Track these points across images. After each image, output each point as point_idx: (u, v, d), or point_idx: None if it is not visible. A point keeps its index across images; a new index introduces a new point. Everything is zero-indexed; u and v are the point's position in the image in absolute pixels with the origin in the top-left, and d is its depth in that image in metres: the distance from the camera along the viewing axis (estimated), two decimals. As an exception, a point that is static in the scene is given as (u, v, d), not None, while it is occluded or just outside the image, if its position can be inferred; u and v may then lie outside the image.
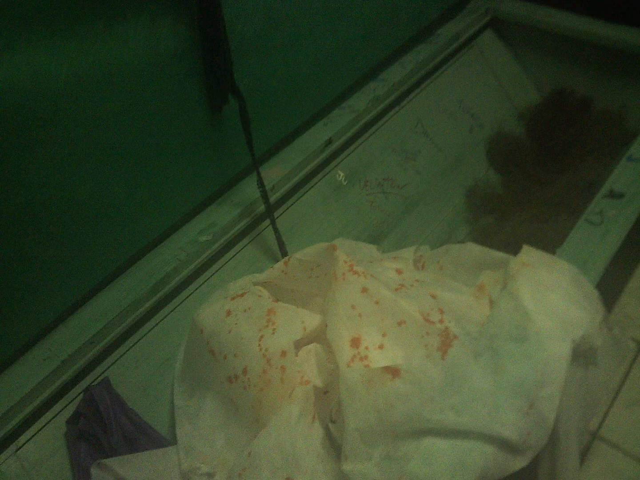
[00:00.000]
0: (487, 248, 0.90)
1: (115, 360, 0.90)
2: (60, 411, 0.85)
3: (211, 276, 1.01)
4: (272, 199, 1.06)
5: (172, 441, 0.86)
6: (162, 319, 0.95)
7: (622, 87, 1.44)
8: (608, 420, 1.06)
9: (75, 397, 0.86)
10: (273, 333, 0.81)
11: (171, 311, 0.96)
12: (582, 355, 0.76)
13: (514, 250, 0.86)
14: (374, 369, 0.71)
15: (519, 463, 0.68)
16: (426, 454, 0.67)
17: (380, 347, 0.75)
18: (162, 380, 0.92)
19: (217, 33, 0.84)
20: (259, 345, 0.80)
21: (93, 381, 0.87)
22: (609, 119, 1.41)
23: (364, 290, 0.78)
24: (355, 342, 0.75)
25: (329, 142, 1.17)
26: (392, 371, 0.70)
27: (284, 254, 1.06)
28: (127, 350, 0.91)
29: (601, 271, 0.90)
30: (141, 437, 0.84)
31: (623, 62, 1.41)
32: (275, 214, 1.06)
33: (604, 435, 1.05)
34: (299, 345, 0.80)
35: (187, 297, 0.98)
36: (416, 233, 1.29)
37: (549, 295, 0.77)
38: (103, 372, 0.88)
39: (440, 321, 0.76)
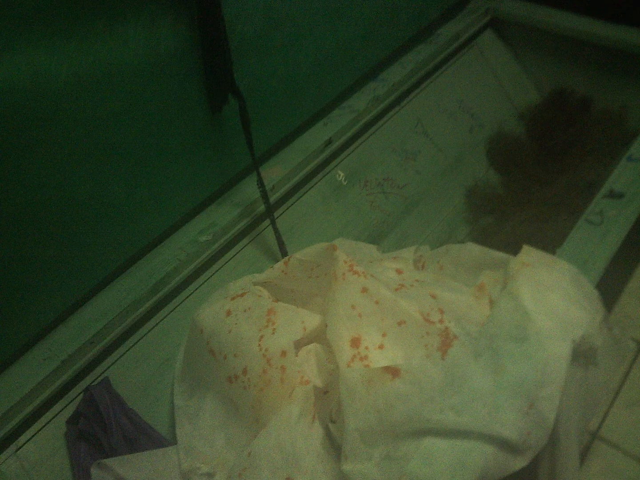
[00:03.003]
0: (487, 248, 0.90)
1: (115, 360, 0.90)
2: (60, 411, 0.85)
3: (211, 276, 1.01)
4: (272, 199, 1.06)
5: (172, 441, 0.86)
6: (162, 319, 0.95)
7: (622, 87, 1.44)
8: (608, 420, 1.06)
9: (75, 397, 0.86)
10: (273, 333, 0.81)
11: (171, 311, 0.96)
12: (582, 355, 0.76)
13: (514, 250, 0.85)
14: (374, 369, 0.71)
15: (519, 463, 0.68)
16: (426, 454, 0.67)
17: (380, 347, 0.75)
18: (162, 380, 0.92)
19: (217, 33, 0.84)
20: (259, 345, 0.80)
21: (93, 381, 0.87)
22: (609, 119, 1.41)
23: (364, 290, 0.78)
24: (355, 342, 0.75)
25: (329, 142, 1.17)
26: (392, 371, 0.70)
27: (284, 254, 1.06)
28: (127, 350, 0.91)
29: (601, 271, 0.90)
30: (141, 437, 0.84)
31: (623, 62, 1.41)
32: (275, 214, 1.06)
33: (604, 435, 1.05)
34: (299, 345, 0.80)
35: (187, 297, 0.98)
36: (416, 233, 1.28)
37: (549, 295, 0.77)
38: (103, 372, 0.88)
39: (440, 321, 0.76)
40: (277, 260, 0.99)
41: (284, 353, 0.78)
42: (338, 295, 0.79)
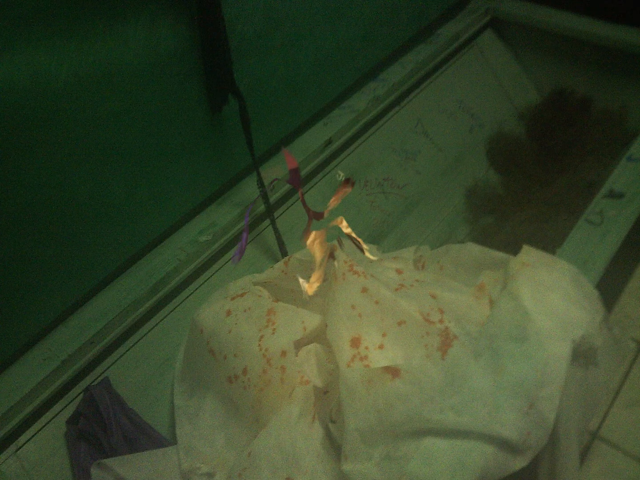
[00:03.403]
0: (487, 248, 0.90)
1: (115, 360, 0.90)
2: (60, 411, 0.85)
3: (211, 276, 1.01)
4: (272, 199, 1.06)
5: (172, 441, 0.86)
6: (162, 319, 0.95)
7: (622, 87, 1.44)
8: (608, 420, 1.07)
9: (75, 397, 0.86)
10: (273, 333, 0.81)
11: (171, 311, 0.96)
12: (582, 355, 0.76)
13: (514, 250, 0.85)
14: (374, 369, 0.71)
15: (519, 463, 0.68)
16: (426, 454, 0.67)
17: (380, 347, 0.75)
18: (162, 380, 0.92)
19: (217, 33, 0.84)
20: (259, 345, 0.80)
21: (93, 381, 0.87)
22: (609, 119, 1.42)
23: (364, 290, 0.78)
24: (355, 342, 0.75)
25: (329, 142, 1.17)
26: (392, 371, 0.70)
27: (284, 254, 1.06)
28: (127, 350, 0.91)
29: (601, 271, 0.90)
30: (141, 437, 0.84)
31: (623, 62, 1.41)
32: (275, 214, 1.06)
33: (604, 435, 1.05)
34: (299, 345, 0.80)
35: (187, 297, 0.98)
36: (416, 233, 1.28)
37: (549, 295, 0.77)
38: (103, 372, 0.88)
39: (440, 321, 0.76)
40: (277, 260, 0.99)
41: (284, 353, 0.78)
42: (338, 295, 0.79)
